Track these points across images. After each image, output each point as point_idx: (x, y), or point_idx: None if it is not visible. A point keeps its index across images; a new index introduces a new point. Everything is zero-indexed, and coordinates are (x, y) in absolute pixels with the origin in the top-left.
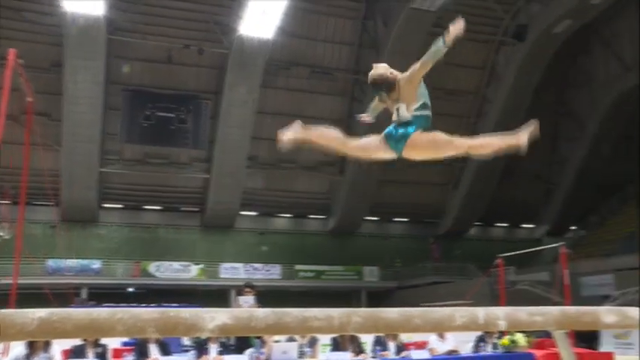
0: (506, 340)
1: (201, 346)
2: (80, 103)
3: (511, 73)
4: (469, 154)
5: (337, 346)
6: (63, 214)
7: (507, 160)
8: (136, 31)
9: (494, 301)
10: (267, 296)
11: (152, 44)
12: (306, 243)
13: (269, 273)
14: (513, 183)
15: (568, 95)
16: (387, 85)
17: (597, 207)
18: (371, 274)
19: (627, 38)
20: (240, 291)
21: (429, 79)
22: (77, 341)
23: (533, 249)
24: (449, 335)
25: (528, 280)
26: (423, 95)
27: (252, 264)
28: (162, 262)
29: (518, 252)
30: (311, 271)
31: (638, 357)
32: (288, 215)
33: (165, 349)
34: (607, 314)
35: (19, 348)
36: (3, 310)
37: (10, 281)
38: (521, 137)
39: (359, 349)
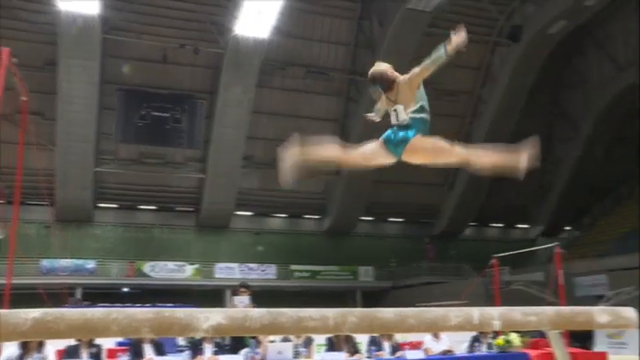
0: (500, 340)
1: (195, 346)
2: (75, 103)
3: (506, 74)
4: (467, 164)
5: (332, 346)
6: (57, 214)
7: None
8: (131, 31)
9: (489, 301)
10: (263, 296)
11: (147, 44)
12: (301, 243)
13: (264, 273)
14: (508, 183)
15: (562, 96)
16: (385, 83)
17: (591, 208)
18: (366, 274)
19: (621, 40)
20: (235, 291)
21: (424, 80)
22: (71, 341)
23: (528, 249)
24: (444, 335)
25: (523, 280)
26: (421, 98)
27: (247, 264)
28: (157, 262)
29: (512, 252)
30: (306, 271)
31: (632, 357)
32: (283, 215)
33: (159, 349)
34: (601, 314)
35: (11, 348)
36: None
37: (4, 281)
38: (521, 159)
39: (354, 349)
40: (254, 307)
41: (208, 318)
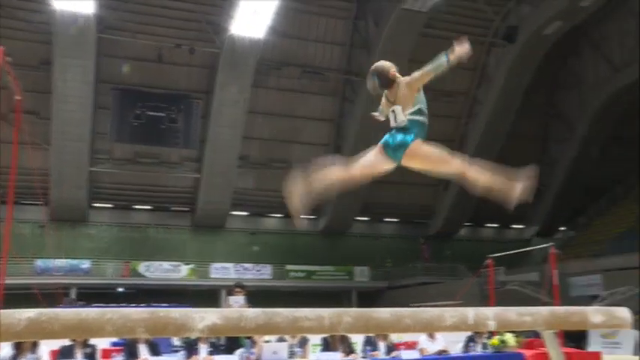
0: (495, 340)
1: (191, 347)
2: (69, 102)
3: (501, 75)
4: (462, 178)
5: (327, 346)
6: (52, 214)
7: (497, 161)
8: (126, 30)
9: (484, 301)
10: (258, 296)
11: (143, 43)
12: (296, 243)
13: (260, 273)
14: None
15: (558, 97)
16: (384, 79)
17: (586, 208)
18: (361, 275)
19: (616, 41)
20: (230, 291)
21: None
22: (65, 341)
23: (523, 249)
24: (439, 335)
25: (518, 280)
26: (420, 102)
27: (242, 264)
28: (153, 262)
29: (507, 252)
30: (302, 271)
31: (626, 356)
32: (279, 215)
33: (154, 350)
34: (595, 314)
35: (5, 349)
36: None
37: None
38: (515, 189)
39: (349, 350)
40: (249, 307)
41: (203, 318)
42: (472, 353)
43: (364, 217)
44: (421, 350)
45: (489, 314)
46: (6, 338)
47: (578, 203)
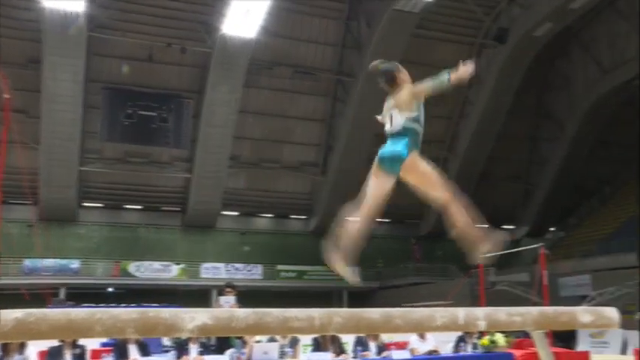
0: (485, 340)
1: (181, 347)
2: (59, 101)
3: (492, 75)
4: (443, 208)
5: (318, 346)
6: (41, 213)
7: (487, 161)
8: (117, 29)
9: (475, 301)
10: (249, 296)
11: (133, 42)
12: (287, 243)
13: (250, 273)
14: (493, 184)
15: (548, 98)
16: (388, 76)
17: (575, 208)
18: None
19: (606, 43)
20: (221, 291)
21: (413, 82)
22: (54, 342)
23: (513, 250)
24: (429, 335)
25: (508, 280)
26: (419, 110)
27: (233, 264)
28: (143, 262)
29: (498, 253)
30: (292, 271)
31: (614, 356)
32: (269, 215)
33: (144, 350)
34: (584, 314)
35: None
36: None
37: None
38: (483, 245)
39: (340, 350)
40: (240, 307)
41: (194, 318)
42: (462, 353)
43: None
44: (412, 350)
45: (479, 314)
46: None
47: (568, 203)
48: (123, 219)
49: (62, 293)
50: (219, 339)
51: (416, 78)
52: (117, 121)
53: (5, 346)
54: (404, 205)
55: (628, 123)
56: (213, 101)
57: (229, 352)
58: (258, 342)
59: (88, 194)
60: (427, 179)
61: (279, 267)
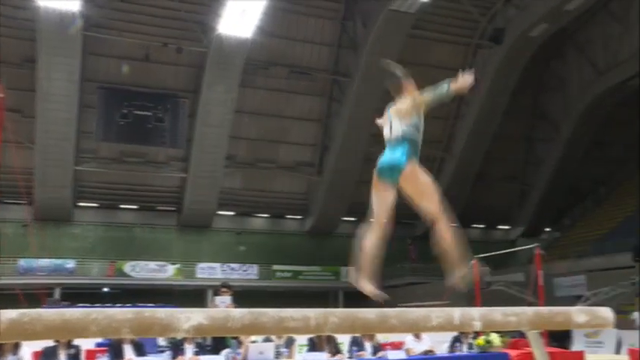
0: (481, 340)
1: (176, 347)
2: (54, 100)
3: (488, 76)
4: (433, 222)
5: (314, 346)
6: (36, 213)
7: (483, 161)
8: (112, 28)
9: (470, 301)
10: (244, 296)
11: (129, 42)
12: (283, 243)
13: (246, 273)
14: (489, 184)
15: (543, 98)
16: (395, 80)
17: (570, 209)
18: (348, 275)
19: (600, 44)
20: (217, 291)
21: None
22: (49, 342)
23: (509, 250)
24: (425, 335)
25: (504, 280)
26: (420, 120)
27: (229, 264)
28: (138, 262)
29: (493, 253)
30: (288, 271)
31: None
32: (265, 215)
33: (140, 350)
34: (578, 314)
35: None
36: None
37: None
38: (460, 270)
39: (336, 350)
40: (235, 307)
41: (189, 318)
42: (458, 353)
43: (351, 217)
44: (407, 350)
45: (475, 314)
46: None
47: (563, 204)
48: (118, 219)
49: (57, 293)
50: (214, 339)
51: (412, 78)
52: (112, 121)
53: None
54: (399, 205)
55: (623, 124)
56: (209, 101)
57: (225, 352)
58: (253, 342)
59: (84, 194)
60: (423, 191)
61: (275, 267)
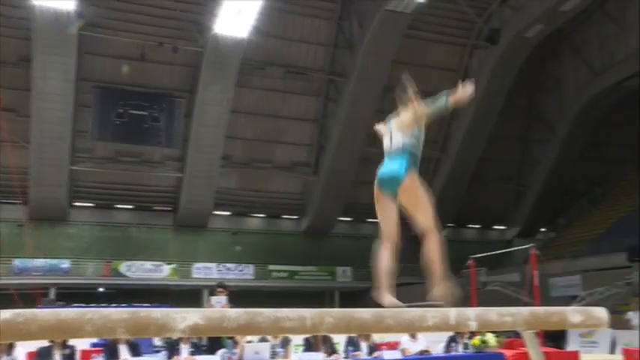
0: (476, 340)
1: (172, 347)
2: (50, 100)
3: (484, 76)
4: (423, 235)
5: (310, 346)
6: (31, 213)
7: (479, 162)
8: (108, 27)
9: (466, 301)
10: (240, 296)
11: (125, 41)
12: (279, 243)
13: (242, 273)
14: (485, 185)
15: (539, 99)
16: (406, 92)
17: (566, 209)
18: (344, 275)
19: (596, 45)
20: (212, 291)
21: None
22: (44, 342)
23: (504, 250)
24: (420, 335)
25: (499, 280)
26: (420, 132)
27: (225, 264)
28: (134, 262)
29: (489, 253)
30: (284, 271)
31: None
32: (261, 215)
33: (135, 350)
34: (574, 314)
35: None
36: None
37: None
38: (440, 288)
39: (331, 350)
40: (231, 307)
41: (185, 318)
42: (453, 353)
43: (347, 217)
44: (403, 350)
45: (471, 315)
46: None
47: (559, 204)
48: (114, 218)
49: (52, 293)
50: (210, 339)
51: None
52: (108, 120)
53: None
54: None
55: (618, 125)
56: (205, 101)
57: (220, 352)
58: (249, 342)
59: (79, 194)
60: (418, 204)
61: (271, 267)
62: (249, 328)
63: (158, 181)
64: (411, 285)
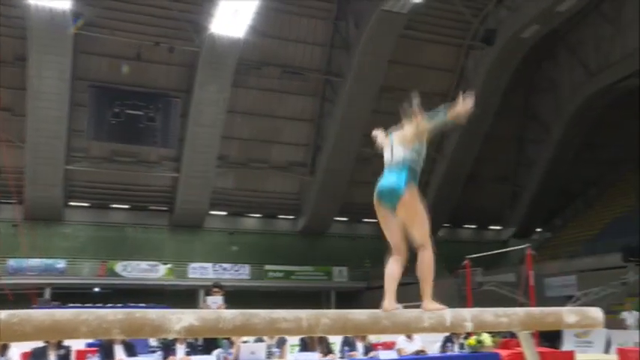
0: (472, 340)
1: (168, 347)
2: (45, 99)
3: (480, 77)
4: (418, 249)
5: (306, 346)
6: (26, 212)
7: (475, 162)
8: (104, 27)
9: (462, 301)
10: (236, 296)
11: (121, 40)
12: (275, 243)
13: (238, 273)
14: (481, 185)
15: (534, 99)
16: (411, 106)
17: (561, 210)
18: (340, 275)
19: (592, 45)
20: (208, 291)
21: (401, 82)
22: (39, 342)
23: (500, 250)
24: (416, 335)
25: (495, 281)
26: (422, 147)
27: (221, 264)
28: (130, 262)
29: (485, 253)
30: (280, 271)
31: (598, 355)
32: (257, 215)
33: (131, 350)
34: (569, 314)
35: None
36: None
37: None
38: (424, 304)
39: (327, 350)
40: (227, 307)
41: (181, 319)
42: (449, 353)
43: (343, 217)
44: (399, 350)
45: (467, 315)
46: None
47: (554, 205)
48: (109, 218)
49: (47, 293)
50: (206, 339)
51: (403, 78)
52: (104, 120)
53: None
54: None
55: (613, 126)
56: (201, 101)
57: (216, 352)
58: (245, 342)
59: (74, 193)
60: (415, 220)
61: (267, 267)
62: (245, 330)
63: (154, 181)
64: (408, 285)
